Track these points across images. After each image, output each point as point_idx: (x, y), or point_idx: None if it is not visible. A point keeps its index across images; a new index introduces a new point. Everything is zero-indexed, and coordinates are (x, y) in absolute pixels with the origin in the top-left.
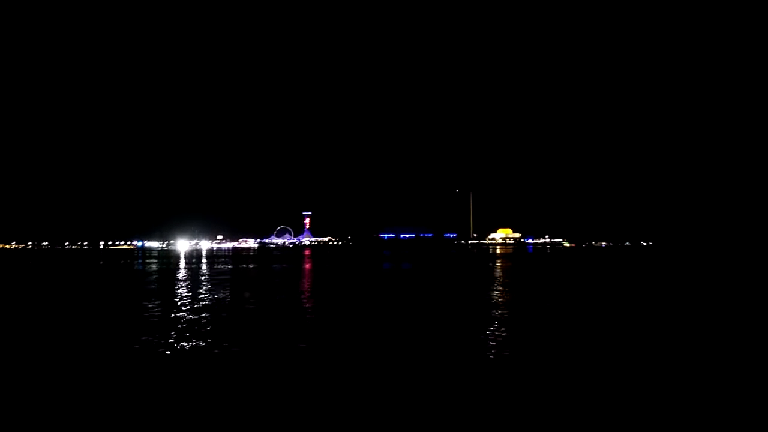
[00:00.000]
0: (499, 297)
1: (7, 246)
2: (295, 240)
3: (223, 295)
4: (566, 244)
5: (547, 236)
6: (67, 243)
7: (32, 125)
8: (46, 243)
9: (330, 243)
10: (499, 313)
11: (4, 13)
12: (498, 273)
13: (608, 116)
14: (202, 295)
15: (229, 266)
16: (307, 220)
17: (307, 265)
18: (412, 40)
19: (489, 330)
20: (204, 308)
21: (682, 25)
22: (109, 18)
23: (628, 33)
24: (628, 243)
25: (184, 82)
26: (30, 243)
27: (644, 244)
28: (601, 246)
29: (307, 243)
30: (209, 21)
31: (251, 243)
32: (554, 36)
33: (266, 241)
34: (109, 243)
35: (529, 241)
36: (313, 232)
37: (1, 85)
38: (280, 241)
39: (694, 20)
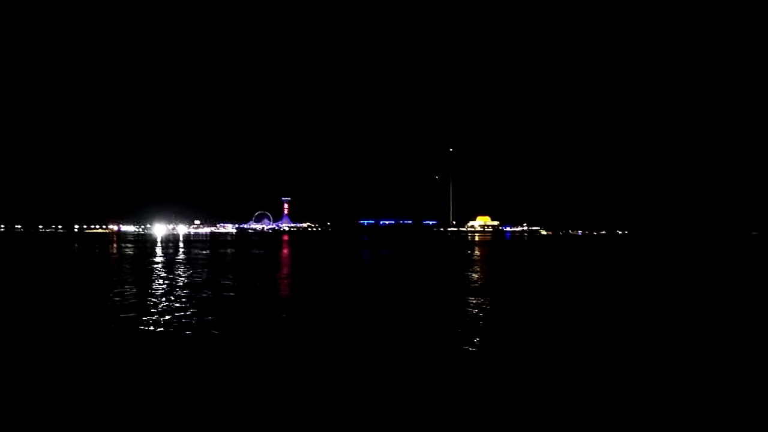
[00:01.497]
0: (476, 281)
1: None
2: (274, 225)
3: (200, 279)
4: (543, 232)
5: (525, 224)
6: (41, 226)
7: (4, 107)
8: (20, 226)
9: (309, 229)
10: (475, 297)
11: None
12: (475, 258)
13: (585, 107)
14: (179, 279)
15: (207, 251)
16: (286, 206)
17: (286, 251)
18: (393, 28)
19: (466, 312)
20: (178, 292)
21: (663, 18)
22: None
23: (606, 23)
24: (604, 231)
25: (163, 66)
26: (2, 226)
27: (620, 232)
28: (578, 234)
29: (287, 228)
30: (187, 8)
31: (230, 228)
32: (532, 24)
33: (245, 226)
34: (84, 226)
35: (507, 228)
36: (293, 217)
37: None
38: (258, 226)
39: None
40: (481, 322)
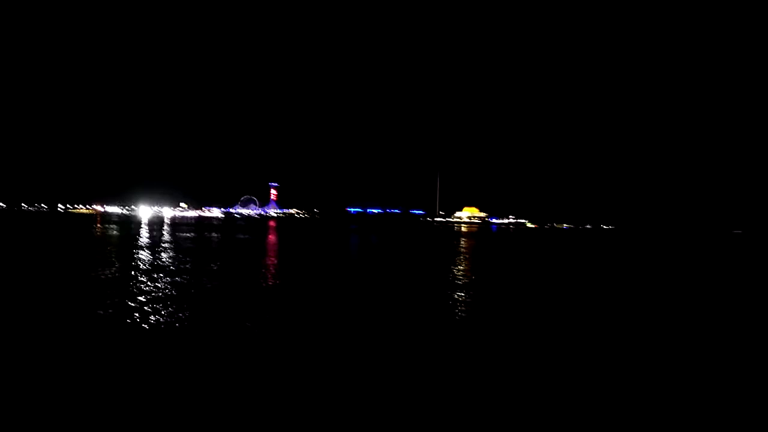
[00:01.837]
0: (460, 272)
1: None
2: (261, 210)
3: (184, 260)
4: (529, 225)
5: (511, 216)
6: (24, 205)
7: None
8: (2, 204)
9: (297, 215)
10: (457, 291)
11: None
12: (461, 249)
13: (574, 102)
14: (162, 261)
15: (192, 234)
16: (274, 192)
17: (272, 237)
18: (383, 20)
19: (449, 298)
20: (161, 272)
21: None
22: None
23: (595, 20)
24: (589, 226)
25: (153, 51)
26: None
27: (605, 227)
28: (563, 228)
29: (273, 214)
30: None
31: (216, 212)
32: (519, 17)
33: (231, 210)
34: (68, 206)
35: (494, 220)
36: (280, 203)
37: None
38: (245, 211)
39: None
40: (463, 315)
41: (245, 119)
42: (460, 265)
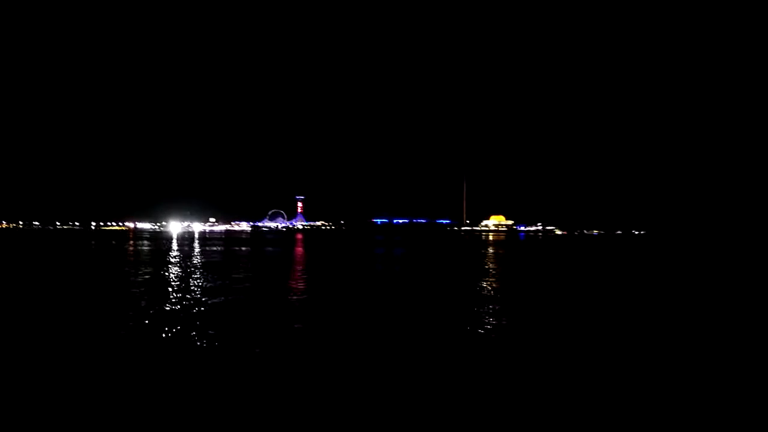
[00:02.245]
0: (491, 282)
1: None
2: (288, 224)
3: (216, 276)
4: (558, 232)
5: (539, 224)
6: (58, 223)
7: (25, 107)
8: (37, 223)
9: (323, 227)
10: (487, 304)
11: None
12: (490, 257)
13: (601, 106)
14: (194, 277)
15: (221, 248)
16: (300, 204)
17: (300, 249)
18: (406, 28)
19: (478, 314)
20: (196, 288)
21: (670, 17)
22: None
23: (619, 25)
24: (620, 231)
25: (178, 67)
26: (20, 222)
27: (636, 233)
28: (593, 234)
29: (300, 227)
30: (200, 10)
31: (244, 226)
32: (549, 23)
33: (259, 224)
34: (101, 224)
35: (522, 228)
36: (306, 216)
37: None
38: (273, 224)
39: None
40: (491, 334)
41: (271, 135)
42: (491, 279)
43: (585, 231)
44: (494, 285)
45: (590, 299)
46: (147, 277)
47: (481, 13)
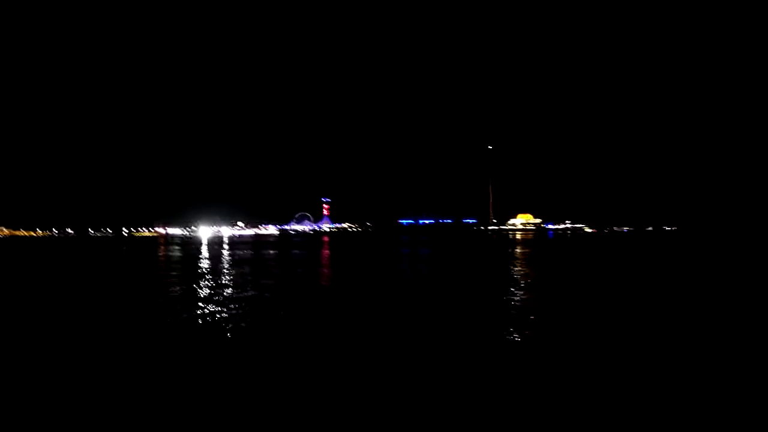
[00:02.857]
0: (522, 286)
1: (32, 233)
2: (314, 226)
3: (247, 279)
4: (587, 230)
5: (567, 221)
6: (90, 230)
7: (55, 114)
8: (71, 230)
9: (350, 229)
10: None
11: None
12: (519, 256)
13: (632, 99)
14: (226, 281)
15: (251, 251)
16: (326, 207)
17: (326, 251)
18: (431, 26)
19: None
20: (228, 292)
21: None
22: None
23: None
24: (650, 228)
25: (205, 71)
26: (54, 230)
27: (667, 228)
28: (623, 231)
29: (327, 229)
30: (226, 10)
31: (272, 229)
32: (572, 23)
33: (286, 227)
34: (132, 230)
35: (550, 226)
36: (333, 218)
37: (25, 75)
38: (300, 227)
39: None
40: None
41: (297, 138)
42: (525, 281)
43: (615, 228)
44: (527, 289)
45: (629, 302)
46: (190, 282)
47: (507, 10)
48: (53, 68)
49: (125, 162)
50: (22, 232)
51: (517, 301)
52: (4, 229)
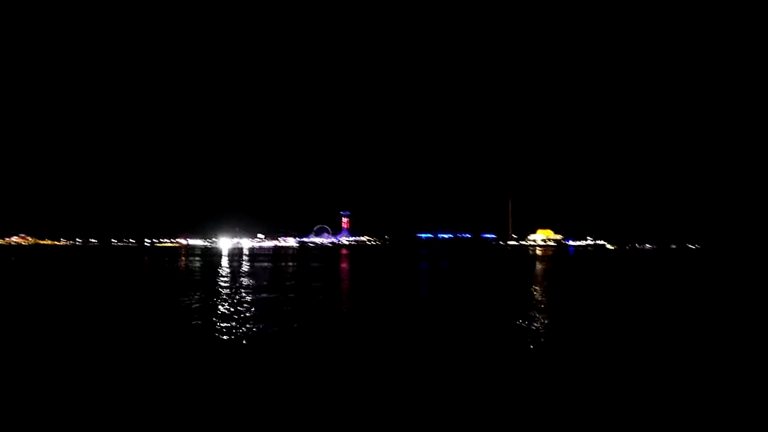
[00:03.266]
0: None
1: (57, 243)
2: (333, 239)
3: (265, 293)
4: (609, 247)
5: (589, 238)
6: (114, 240)
7: (77, 125)
8: (95, 240)
9: (368, 242)
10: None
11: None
12: (539, 275)
13: (654, 115)
14: (245, 294)
15: (269, 263)
16: (346, 220)
17: (344, 264)
18: (449, 41)
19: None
20: (247, 304)
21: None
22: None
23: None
24: (674, 246)
25: (232, 86)
26: (78, 240)
27: (691, 246)
28: (645, 248)
29: (346, 242)
30: (247, 21)
31: (291, 242)
32: (596, 39)
33: (305, 240)
34: (154, 240)
35: (571, 242)
36: (352, 231)
37: (45, 87)
38: (319, 240)
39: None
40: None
41: (317, 151)
42: (549, 304)
43: (637, 245)
44: (552, 319)
45: (658, 341)
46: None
47: (527, 28)
48: (84, 81)
49: (149, 174)
50: (47, 241)
51: (541, 334)
52: (29, 238)
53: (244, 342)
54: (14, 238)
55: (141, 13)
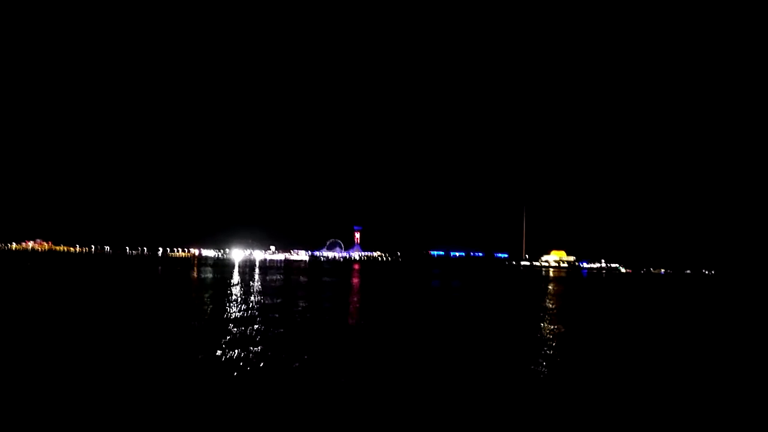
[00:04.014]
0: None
1: (72, 249)
2: (345, 254)
3: (275, 306)
4: (623, 270)
5: (603, 260)
6: (128, 248)
7: (94, 133)
8: (108, 248)
9: (380, 258)
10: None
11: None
12: (552, 302)
13: (670, 138)
14: (254, 305)
15: (281, 276)
16: (358, 235)
17: (356, 280)
18: (463, 59)
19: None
20: (255, 316)
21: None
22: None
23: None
24: (689, 271)
25: (243, 97)
26: (93, 247)
27: (706, 272)
28: (660, 273)
29: (357, 257)
30: (266, 34)
31: (302, 255)
32: (610, 54)
33: (317, 253)
34: (168, 250)
35: (584, 264)
36: (363, 246)
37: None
38: (330, 254)
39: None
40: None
41: (331, 165)
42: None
43: (651, 269)
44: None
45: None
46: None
47: (540, 42)
48: (107, 91)
49: (166, 184)
50: (62, 247)
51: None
52: (45, 243)
53: (248, 367)
54: (30, 243)
55: (163, 21)
